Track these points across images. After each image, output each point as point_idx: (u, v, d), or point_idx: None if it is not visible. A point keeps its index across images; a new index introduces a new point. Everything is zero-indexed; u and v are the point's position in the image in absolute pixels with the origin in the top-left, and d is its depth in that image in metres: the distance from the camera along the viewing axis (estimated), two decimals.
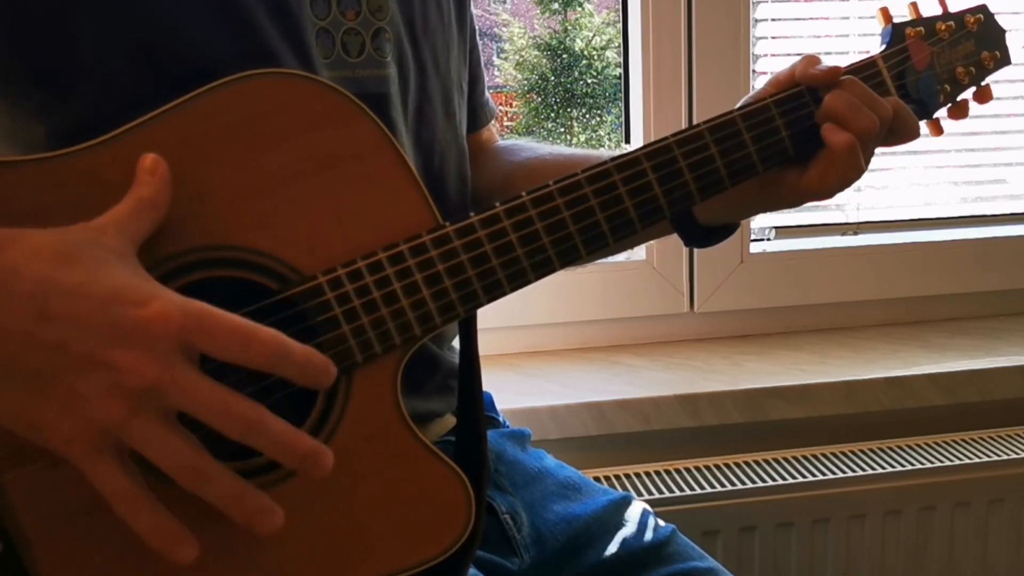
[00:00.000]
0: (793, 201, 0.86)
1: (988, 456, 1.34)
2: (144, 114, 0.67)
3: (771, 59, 1.53)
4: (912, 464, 1.32)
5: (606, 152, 0.86)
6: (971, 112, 0.92)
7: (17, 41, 0.73)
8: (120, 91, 0.73)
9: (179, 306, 0.58)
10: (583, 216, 0.75)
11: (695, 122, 0.80)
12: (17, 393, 0.58)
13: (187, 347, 0.58)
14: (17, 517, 0.63)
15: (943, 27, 0.88)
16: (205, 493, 0.59)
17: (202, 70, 0.69)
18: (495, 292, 0.73)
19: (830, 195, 0.84)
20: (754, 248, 1.54)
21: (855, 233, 1.61)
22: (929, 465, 1.31)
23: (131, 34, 0.73)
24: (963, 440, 1.39)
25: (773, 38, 1.53)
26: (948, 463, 1.32)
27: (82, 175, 0.66)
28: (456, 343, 0.90)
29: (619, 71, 1.57)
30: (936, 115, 0.91)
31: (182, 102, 0.67)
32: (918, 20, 0.89)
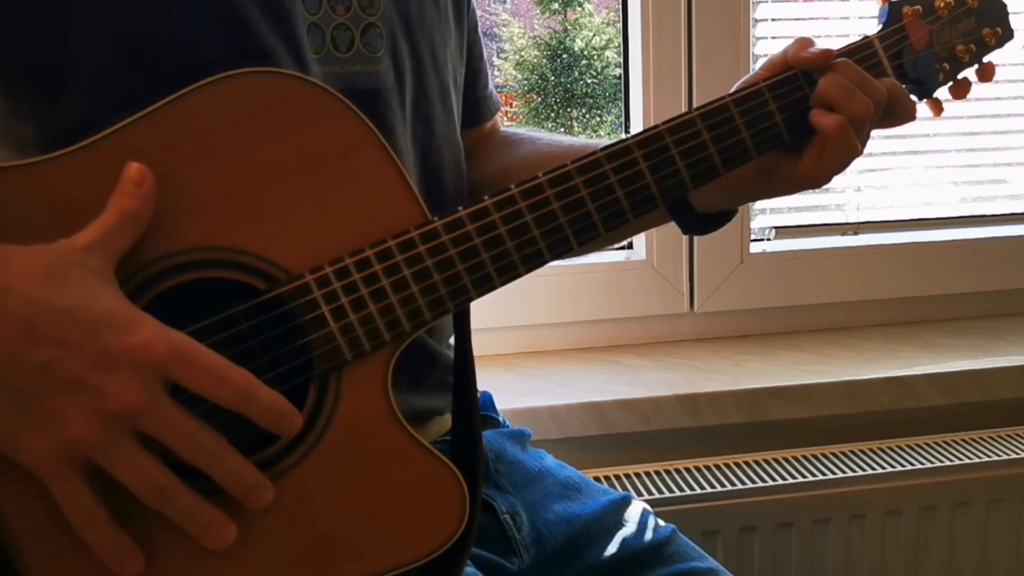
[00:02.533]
0: (790, 187, 0.85)
1: (988, 456, 1.34)
2: (134, 113, 0.67)
3: None
4: (912, 464, 1.31)
5: (607, 142, 0.86)
6: (973, 91, 0.90)
7: (7, 39, 0.73)
8: (110, 89, 0.73)
9: (163, 336, 0.61)
10: (573, 207, 0.74)
11: None
12: None
13: (166, 377, 0.61)
14: (8, 524, 0.63)
15: (942, 4, 0.87)
16: (166, 509, 0.62)
17: (193, 67, 0.69)
18: (485, 286, 0.73)
19: (826, 180, 0.83)
20: (754, 248, 1.54)
21: (855, 233, 1.61)
22: (929, 465, 1.31)
23: (119, 32, 0.73)
24: (963, 440, 1.39)
25: (773, 38, 1.53)
26: (948, 463, 1.32)
27: (64, 182, 0.66)
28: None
29: (619, 71, 1.57)
30: (936, 94, 0.89)
31: (168, 102, 0.67)
32: None
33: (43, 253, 0.62)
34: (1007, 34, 0.89)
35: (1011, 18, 0.90)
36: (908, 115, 0.84)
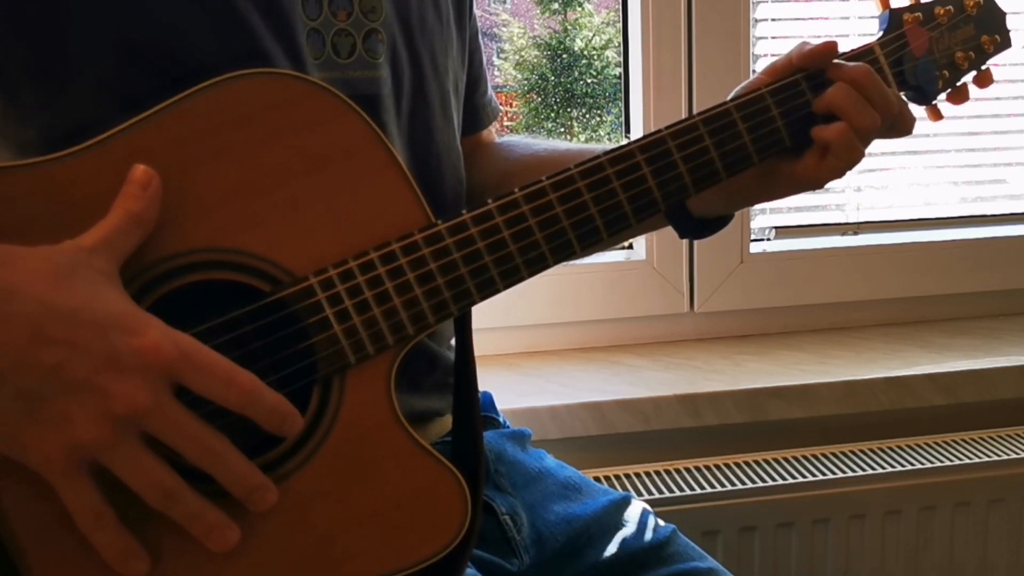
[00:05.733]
0: (789, 190, 0.85)
1: (988, 456, 1.34)
2: (136, 114, 0.67)
3: (771, 59, 1.52)
4: (912, 464, 1.31)
5: (605, 147, 0.86)
6: (971, 96, 0.91)
7: (8, 39, 0.73)
8: (111, 91, 0.73)
9: (171, 338, 0.61)
10: (576, 211, 0.74)
11: None
12: (5, 410, 0.59)
13: (173, 379, 0.61)
14: (10, 524, 0.63)
15: (942, 11, 0.87)
16: (171, 511, 0.62)
17: (193, 70, 0.69)
18: (488, 289, 0.73)
19: (825, 183, 0.84)
20: (754, 248, 1.54)
21: (855, 233, 1.61)
22: (929, 465, 1.31)
23: (121, 33, 0.73)
24: (963, 440, 1.39)
25: (773, 38, 1.53)
26: (948, 463, 1.32)
27: (69, 182, 0.66)
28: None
29: (619, 71, 1.57)
30: (935, 100, 0.90)
31: (171, 103, 0.67)
32: (916, 5, 0.88)
33: (49, 254, 0.61)
34: (1005, 41, 0.90)
35: (1011, 19, 0.90)
36: (908, 129, 0.85)
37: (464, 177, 0.94)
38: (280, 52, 0.76)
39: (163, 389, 0.60)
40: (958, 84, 0.89)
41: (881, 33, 0.87)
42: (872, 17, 0.89)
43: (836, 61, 0.83)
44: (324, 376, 0.69)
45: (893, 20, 0.86)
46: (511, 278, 0.73)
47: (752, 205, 0.93)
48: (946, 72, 0.88)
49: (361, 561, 0.68)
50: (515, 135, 1.09)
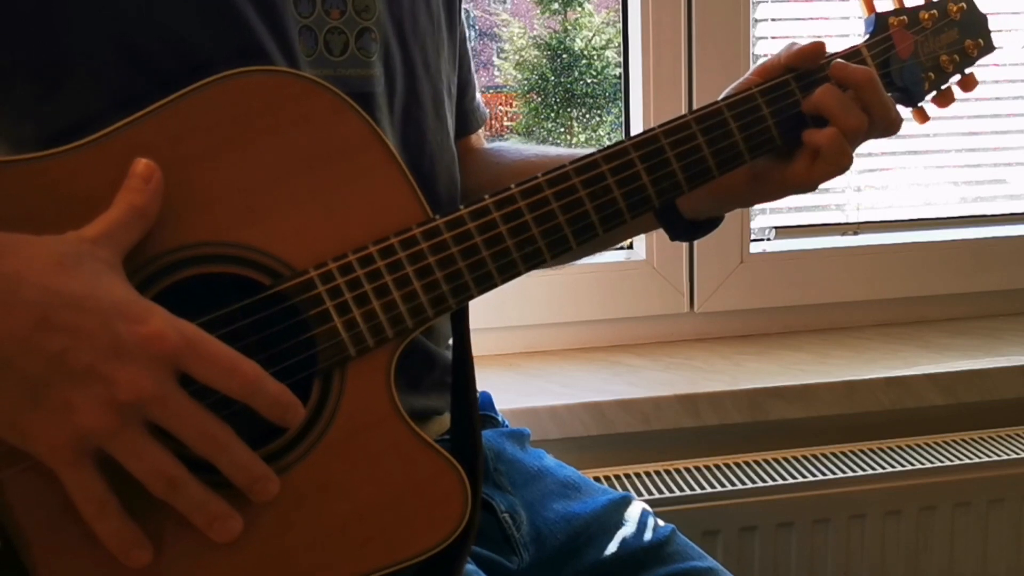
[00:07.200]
0: (780, 192, 0.87)
1: (988, 456, 1.34)
2: (132, 111, 0.67)
3: None
4: (912, 464, 1.32)
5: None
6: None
7: (4, 36, 0.73)
8: (108, 89, 0.73)
9: (175, 327, 0.61)
10: (571, 207, 0.75)
11: None
12: (9, 397, 0.59)
13: (177, 366, 0.61)
14: (15, 516, 0.63)
15: (926, 15, 0.89)
16: (174, 500, 0.62)
17: (188, 67, 0.69)
18: (486, 284, 0.73)
19: (817, 185, 0.85)
20: (754, 248, 1.54)
21: (855, 233, 1.62)
22: (929, 465, 1.31)
23: (116, 30, 0.73)
24: (963, 440, 1.39)
25: (773, 38, 1.53)
26: (948, 463, 1.32)
27: (70, 177, 0.66)
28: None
29: (619, 71, 1.57)
30: (920, 103, 0.91)
31: (170, 101, 0.67)
32: (901, 9, 0.89)
33: (53, 244, 0.62)
34: (988, 46, 0.91)
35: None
36: (895, 129, 0.85)
37: (459, 178, 0.94)
38: (275, 48, 0.77)
39: (167, 377, 0.60)
40: (943, 87, 0.90)
41: (867, 36, 0.88)
42: None
43: (840, 61, 0.83)
44: (324, 369, 0.69)
45: (879, 23, 0.88)
46: (508, 272, 0.74)
47: (742, 207, 0.94)
48: (931, 75, 0.89)
49: (360, 553, 0.68)
50: (505, 140, 1.09)
